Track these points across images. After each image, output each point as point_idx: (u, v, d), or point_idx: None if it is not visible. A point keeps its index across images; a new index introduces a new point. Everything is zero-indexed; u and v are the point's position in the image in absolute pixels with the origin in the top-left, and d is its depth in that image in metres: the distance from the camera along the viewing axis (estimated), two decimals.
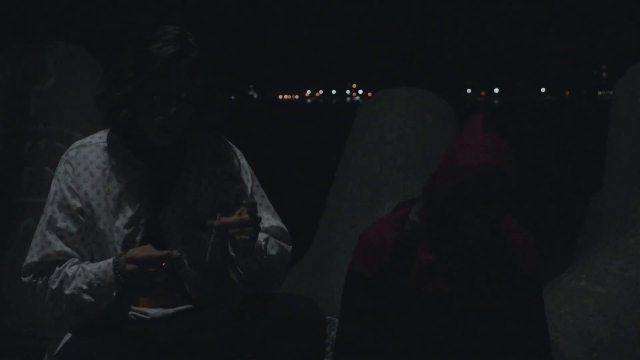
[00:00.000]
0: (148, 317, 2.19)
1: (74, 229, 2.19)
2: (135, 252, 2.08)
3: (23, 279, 2.20)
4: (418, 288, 2.16)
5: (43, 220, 2.21)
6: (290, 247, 2.31)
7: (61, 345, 2.20)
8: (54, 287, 2.14)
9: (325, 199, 4.67)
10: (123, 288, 2.12)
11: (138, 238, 2.19)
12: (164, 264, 2.06)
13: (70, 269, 2.15)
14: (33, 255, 2.19)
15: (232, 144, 2.37)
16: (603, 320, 3.35)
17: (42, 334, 3.65)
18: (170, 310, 2.21)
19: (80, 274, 2.13)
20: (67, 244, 2.19)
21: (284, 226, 2.33)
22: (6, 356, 3.62)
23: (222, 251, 2.23)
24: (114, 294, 2.12)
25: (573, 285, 3.49)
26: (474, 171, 2.01)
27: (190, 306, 2.22)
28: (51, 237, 2.18)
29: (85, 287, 2.12)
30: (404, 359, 2.18)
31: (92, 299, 2.12)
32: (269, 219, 2.31)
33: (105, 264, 2.12)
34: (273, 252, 2.21)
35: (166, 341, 2.17)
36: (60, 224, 2.19)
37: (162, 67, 2.09)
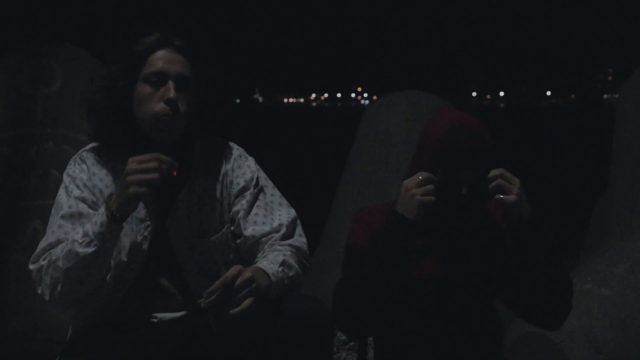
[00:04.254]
0: (156, 320, 2.20)
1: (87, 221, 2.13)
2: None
3: (30, 266, 2.10)
4: (409, 271, 2.17)
5: (56, 213, 2.15)
6: (308, 265, 2.26)
7: (64, 347, 2.20)
8: (54, 257, 2.05)
9: (331, 202, 4.68)
10: (118, 221, 1.99)
11: (145, 244, 2.18)
12: (174, 172, 1.96)
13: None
14: (43, 241, 2.10)
15: (242, 149, 2.34)
16: (608, 322, 3.35)
17: (51, 337, 3.66)
18: (177, 314, 2.21)
19: (78, 232, 2.04)
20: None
21: (301, 244, 2.25)
22: (15, 359, 3.62)
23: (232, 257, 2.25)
24: (113, 240, 2.01)
25: (578, 288, 3.49)
26: (448, 126, 2.13)
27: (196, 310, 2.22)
28: (66, 225, 2.12)
29: (80, 239, 2.01)
30: (399, 341, 2.21)
31: (88, 250, 1.99)
32: (281, 215, 2.26)
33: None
34: (292, 273, 2.14)
35: (173, 344, 2.18)
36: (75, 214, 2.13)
37: (145, 53, 2.17)
